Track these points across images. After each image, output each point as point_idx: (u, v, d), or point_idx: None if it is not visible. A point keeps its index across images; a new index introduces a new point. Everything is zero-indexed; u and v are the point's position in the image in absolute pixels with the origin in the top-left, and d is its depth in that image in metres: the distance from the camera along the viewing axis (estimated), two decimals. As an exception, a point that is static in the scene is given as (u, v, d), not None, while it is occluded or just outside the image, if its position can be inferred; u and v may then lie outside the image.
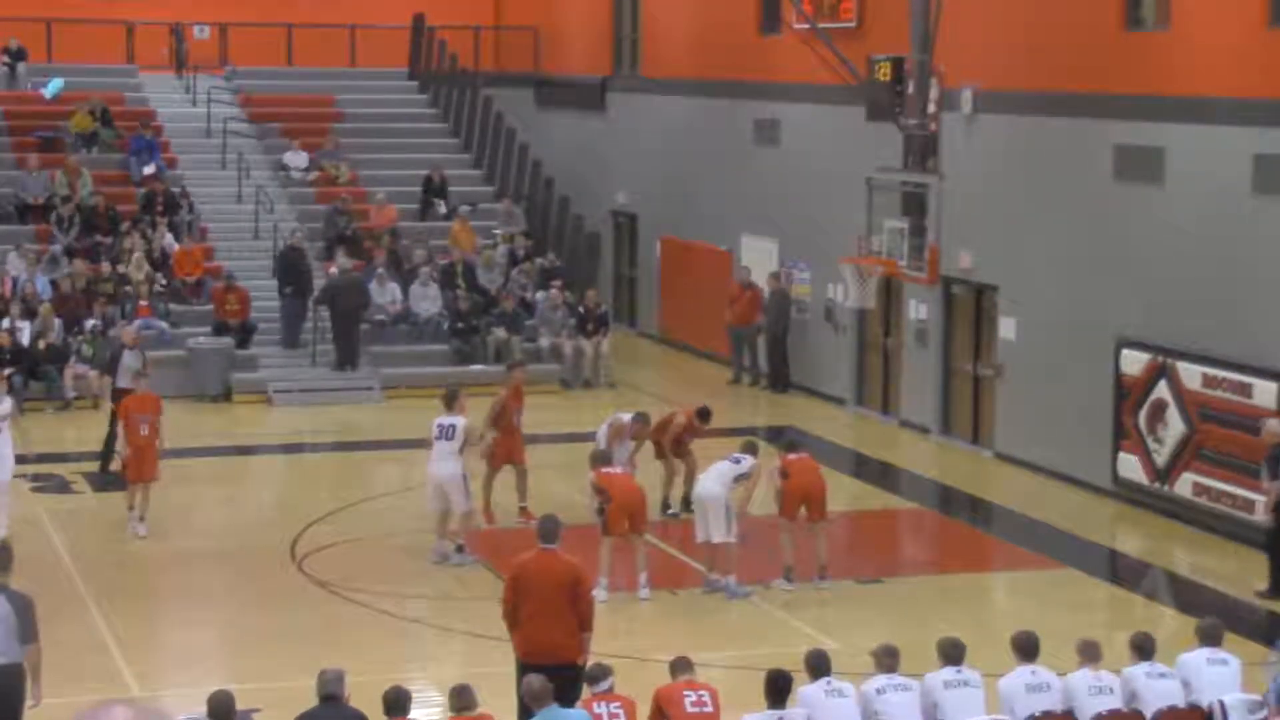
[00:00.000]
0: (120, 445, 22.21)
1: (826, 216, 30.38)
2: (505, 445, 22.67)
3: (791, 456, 20.61)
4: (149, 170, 34.45)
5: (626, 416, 22.67)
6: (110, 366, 26.02)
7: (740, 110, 33.46)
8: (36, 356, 29.61)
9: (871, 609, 19.80)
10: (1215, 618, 15.02)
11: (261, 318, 31.86)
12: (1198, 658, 14.22)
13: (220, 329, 31.16)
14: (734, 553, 19.75)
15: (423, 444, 21.62)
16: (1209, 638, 14.46)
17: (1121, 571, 21.81)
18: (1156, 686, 13.81)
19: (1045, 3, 25.62)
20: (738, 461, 20.16)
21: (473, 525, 21.29)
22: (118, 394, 24.87)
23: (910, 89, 27.33)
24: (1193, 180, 23.06)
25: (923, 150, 27.91)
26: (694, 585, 20.27)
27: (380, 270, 32.51)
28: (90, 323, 30.20)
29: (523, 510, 22.57)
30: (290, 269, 31.84)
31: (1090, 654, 13.97)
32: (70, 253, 32.17)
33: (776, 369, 31.79)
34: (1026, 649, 13.98)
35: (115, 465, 23.53)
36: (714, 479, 20.01)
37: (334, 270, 31.96)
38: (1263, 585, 20.16)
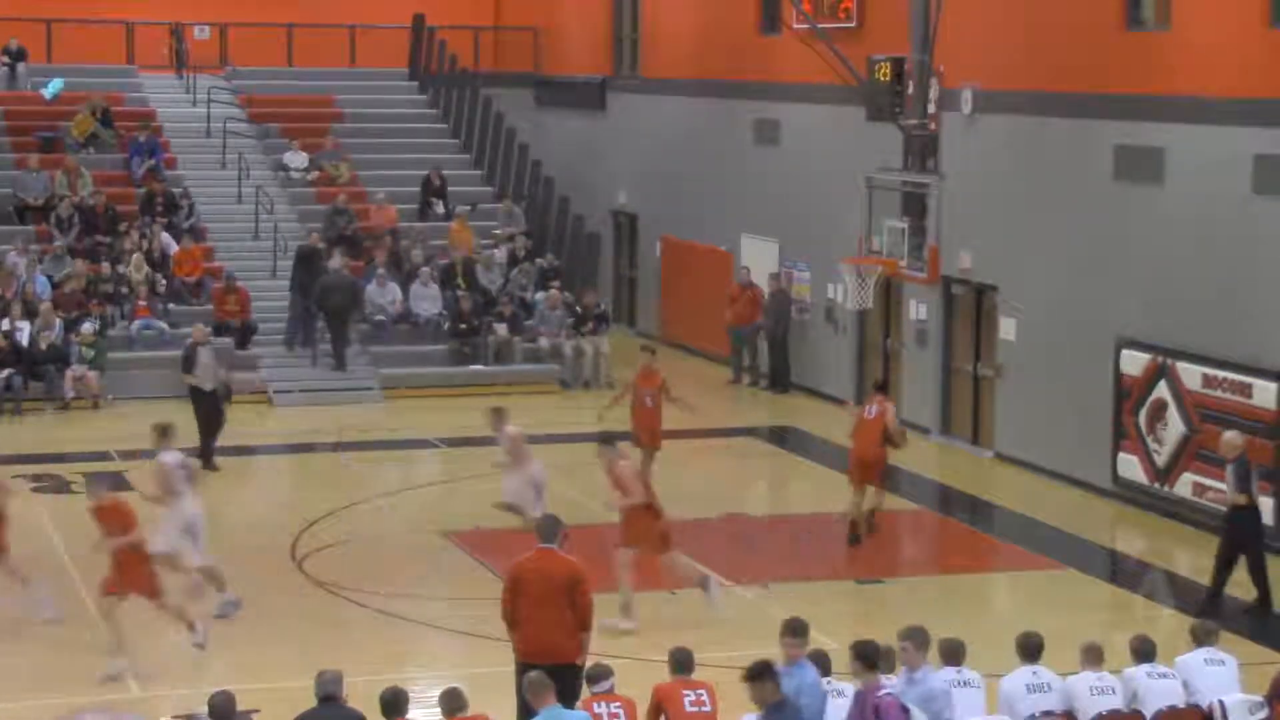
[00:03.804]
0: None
1: (826, 216, 30.38)
2: (638, 426, 23.88)
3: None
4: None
5: None
6: (186, 365, 26.04)
7: (740, 110, 33.46)
8: (36, 356, 29.61)
9: (871, 609, 19.79)
10: (1210, 618, 15.04)
11: (261, 318, 31.86)
12: (1196, 658, 14.24)
13: (220, 329, 31.14)
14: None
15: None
16: (1205, 638, 14.48)
17: (1121, 571, 21.80)
18: (1157, 687, 13.83)
19: (1045, 3, 25.61)
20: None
21: None
22: (197, 394, 25.64)
23: (910, 89, 27.32)
24: (1193, 180, 23.06)
25: (923, 150, 27.91)
26: (695, 585, 20.27)
27: (380, 270, 32.51)
28: (86, 325, 30.18)
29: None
30: (303, 265, 31.79)
31: (1093, 657, 13.97)
32: (70, 253, 32.18)
33: (776, 369, 31.78)
34: (1028, 649, 13.98)
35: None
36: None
37: (330, 269, 31.93)
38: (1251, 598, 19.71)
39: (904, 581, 21.11)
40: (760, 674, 12.22)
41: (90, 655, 17.75)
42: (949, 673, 13.72)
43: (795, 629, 13.13)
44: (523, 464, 21.46)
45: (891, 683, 13.12)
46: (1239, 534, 19.58)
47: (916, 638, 13.22)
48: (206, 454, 25.34)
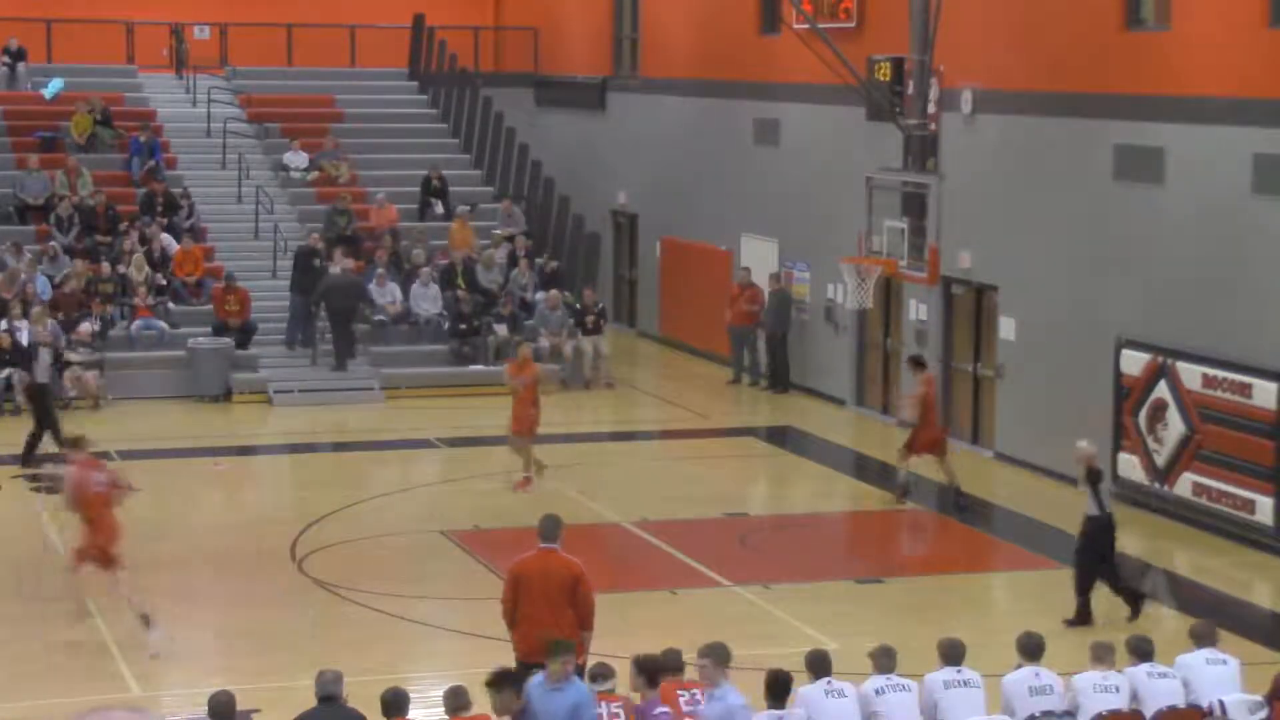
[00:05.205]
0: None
1: (826, 216, 30.38)
2: (512, 414, 24.52)
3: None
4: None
5: None
6: (26, 364, 26.48)
7: (740, 110, 33.46)
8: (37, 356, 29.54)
9: (871, 609, 19.80)
10: (1208, 618, 15.04)
11: (261, 318, 31.85)
12: (1196, 658, 14.25)
13: (220, 329, 31.15)
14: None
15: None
16: (1204, 638, 14.48)
17: (1122, 572, 21.76)
18: (1158, 686, 13.83)
19: (1045, 3, 25.62)
20: None
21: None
22: (38, 389, 26.01)
23: (910, 89, 27.32)
24: (1193, 180, 23.07)
25: (923, 150, 27.90)
26: (695, 585, 20.28)
27: (380, 270, 32.51)
28: (84, 325, 30.15)
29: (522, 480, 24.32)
30: (303, 265, 31.79)
31: (1101, 655, 13.96)
32: (70, 253, 32.18)
33: (776, 369, 31.78)
34: (1029, 649, 13.98)
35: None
36: None
37: (334, 270, 31.93)
38: (1071, 614, 19.12)
39: (903, 581, 21.11)
40: (498, 682, 12.72)
41: (90, 655, 17.76)
42: (949, 673, 13.73)
43: (563, 649, 13.05)
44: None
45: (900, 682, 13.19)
46: (1094, 544, 19.26)
47: (716, 654, 13.00)
48: (30, 452, 25.49)
